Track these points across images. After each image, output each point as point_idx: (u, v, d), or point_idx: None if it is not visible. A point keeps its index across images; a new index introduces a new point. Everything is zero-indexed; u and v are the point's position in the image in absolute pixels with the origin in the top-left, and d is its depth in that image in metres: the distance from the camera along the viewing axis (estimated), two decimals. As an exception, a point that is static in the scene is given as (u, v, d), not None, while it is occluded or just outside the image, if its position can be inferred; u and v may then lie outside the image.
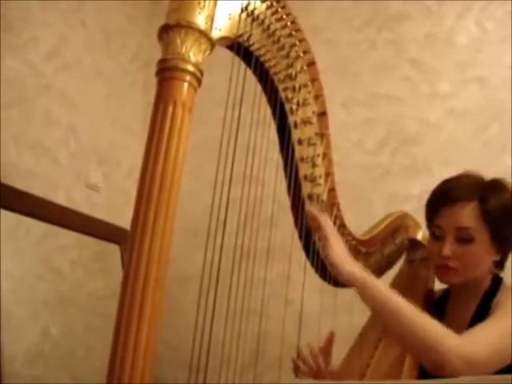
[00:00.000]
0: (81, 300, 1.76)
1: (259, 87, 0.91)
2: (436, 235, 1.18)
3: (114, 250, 1.98)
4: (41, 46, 1.82)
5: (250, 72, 0.85)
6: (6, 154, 1.62)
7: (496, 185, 1.17)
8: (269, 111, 0.92)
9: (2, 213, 1.47)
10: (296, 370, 1.19)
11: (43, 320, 1.58)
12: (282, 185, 0.99)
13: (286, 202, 1.02)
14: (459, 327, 1.16)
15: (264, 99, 0.91)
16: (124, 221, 2.06)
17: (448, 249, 1.12)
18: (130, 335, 0.60)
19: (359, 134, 2.12)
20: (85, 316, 1.75)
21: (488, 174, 1.21)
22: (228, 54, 0.81)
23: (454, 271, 1.14)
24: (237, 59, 0.81)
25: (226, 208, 0.72)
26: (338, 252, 1.02)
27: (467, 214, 1.12)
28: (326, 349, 1.21)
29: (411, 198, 1.95)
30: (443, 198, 1.17)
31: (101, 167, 2.10)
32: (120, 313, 0.61)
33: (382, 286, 1.03)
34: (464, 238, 1.12)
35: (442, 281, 1.22)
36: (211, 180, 0.74)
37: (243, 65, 0.83)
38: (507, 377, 0.59)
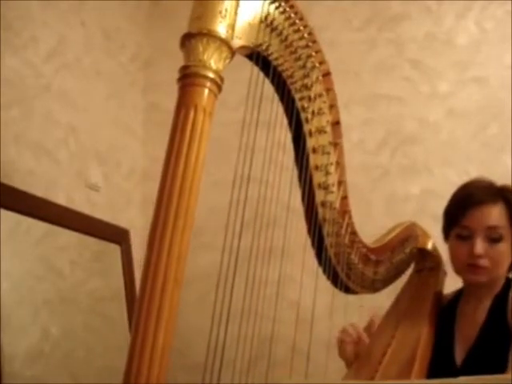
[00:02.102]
0: (81, 300, 1.76)
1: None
2: (462, 236, 1.21)
3: (114, 250, 1.98)
4: (41, 46, 1.82)
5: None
6: (5, 153, 1.62)
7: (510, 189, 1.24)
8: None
9: (2, 213, 1.47)
10: (342, 340, 1.28)
11: (43, 320, 1.58)
12: (295, 189, 1.00)
13: (294, 204, 1.02)
14: (471, 326, 1.19)
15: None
16: (124, 221, 2.06)
17: (480, 247, 1.16)
18: (148, 335, 0.61)
19: (359, 134, 2.12)
20: (85, 316, 1.75)
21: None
22: (241, 60, 0.81)
23: (484, 270, 1.18)
24: (254, 67, 0.81)
25: (244, 208, 0.73)
26: None
27: (497, 214, 1.18)
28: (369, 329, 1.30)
29: (411, 198, 1.95)
30: (469, 200, 1.21)
31: (101, 167, 2.10)
32: (138, 313, 0.62)
33: None
34: (493, 237, 1.17)
35: (470, 280, 1.24)
36: (215, 181, 0.75)
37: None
38: (507, 377, 0.60)
